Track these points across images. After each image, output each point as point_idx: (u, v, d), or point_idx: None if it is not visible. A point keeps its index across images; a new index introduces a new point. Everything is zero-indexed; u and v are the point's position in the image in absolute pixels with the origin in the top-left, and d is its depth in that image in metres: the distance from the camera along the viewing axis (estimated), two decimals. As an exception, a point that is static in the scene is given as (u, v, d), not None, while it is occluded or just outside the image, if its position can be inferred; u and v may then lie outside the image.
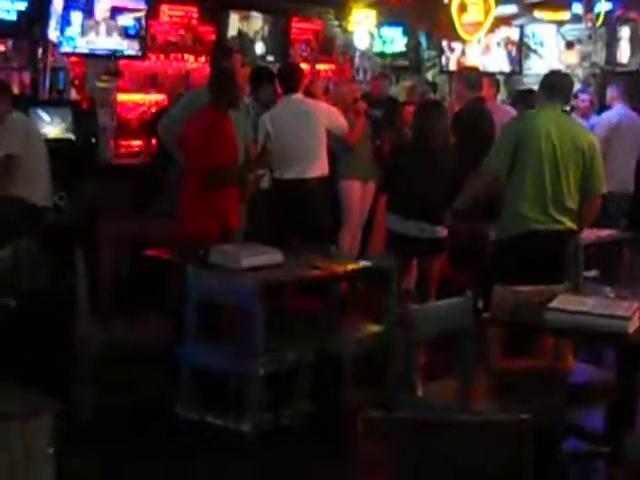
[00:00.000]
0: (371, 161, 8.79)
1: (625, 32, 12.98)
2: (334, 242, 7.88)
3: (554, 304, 4.54)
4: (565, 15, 12.84)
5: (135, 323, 6.01)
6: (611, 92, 10.58)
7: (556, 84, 6.11)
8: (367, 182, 8.66)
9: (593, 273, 7.31)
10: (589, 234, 6.88)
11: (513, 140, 5.87)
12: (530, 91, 11.73)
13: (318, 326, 5.95)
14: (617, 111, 10.09)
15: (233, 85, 6.68)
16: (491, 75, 10.87)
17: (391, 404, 4.66)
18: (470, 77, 8.60)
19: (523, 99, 9.74)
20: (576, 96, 11.50)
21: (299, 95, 7.76)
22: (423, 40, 13.79)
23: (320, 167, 7.66)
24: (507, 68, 13.94)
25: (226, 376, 5.78)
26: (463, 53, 13.32)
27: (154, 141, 10.06)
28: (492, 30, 12.22)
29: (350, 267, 6.18)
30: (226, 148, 6.46)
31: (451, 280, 7.27)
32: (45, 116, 8.61)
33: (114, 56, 10.06)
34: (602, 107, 11.39)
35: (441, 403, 4.54)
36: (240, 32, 11.63)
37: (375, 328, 6.08)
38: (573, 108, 10.41)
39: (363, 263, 6.34)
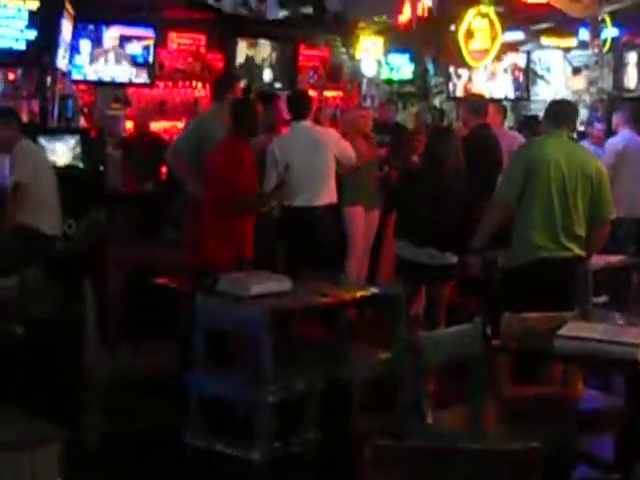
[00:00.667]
0: (376, 188, 8.77)
1: (632, 58, 12.99)
2: (341, 269, 7.88)
3: (563, 331, 4.52)
4: (572, 41, 12.88)
5: (143, 351, 6.00)
6: (617, 118, 10.59)
7: (562, 113, 6.13)
8: (372, 209, 8.64)
9: (602, 299, 7.29)
10: (598, 260, 6.87)
11: (522, 169, 5.88)
12: (536, 117, 11.78)
13: (327, 353, 5.94)
14: (623, 137, 10.10)
15: (254, 114, 6.77)
16: (498, 101, 10.88)
17: (400, 432, 4.63)
18: (475, 103, 8.63)
19: (529, 125, 9.78)
20: (590, 123, 11.53)
21: (308, 122, 7.77)
22: (430, 67, 13.84)
23: (329, 195, 7.66)
24: (514, 94, 13.97)
25: (234, 404, 5.77)
26: (470, 79, 13.36)
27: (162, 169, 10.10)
28: (499, 57, 12.24)
29: (358, 294, 6.16)
30: (246, 177, 6.52)
31: (460, 307, 7.25)
32: (53, 144, 8.64)
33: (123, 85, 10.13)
34: (609, 133, 11.40)
35: (451, 431, 4.52)
36: (248, 59, 11.69)
37: (384, 355, 6.06)
38: (585, 135, 10.45)
39: (371, 290, 6.33)
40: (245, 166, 6.54)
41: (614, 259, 7.52)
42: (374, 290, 6.32)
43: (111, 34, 10.01)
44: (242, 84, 7.83)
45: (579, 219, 5.83)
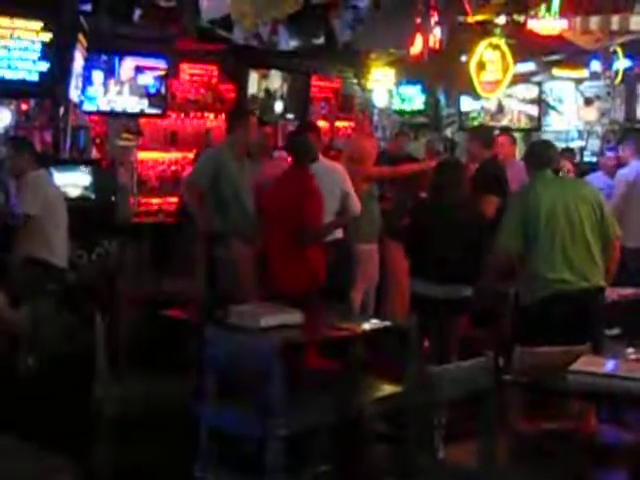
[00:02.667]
0: (379, 221, 8.68)
1: (644, 89, 13.00)
2: (346, 302, 7.85)
3: (576, 366, 4.49)
4: (584, 72, 12.88)
5: (153, 382, 5.99)
6: (626, 149, 10.57)
7: (539, 154, 6.32)
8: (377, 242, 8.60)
9: (615, 331, 7.24)
10: (610, 292, 6.83)
11: (518, 217, 6.01)
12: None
13: (338, 386, 5.90)
14: (633, 167, 10.09)
15: (310, 143, 7.11)
16: (509, 132, 10.88)
17: (411, 467, 4.60)
18: (487, 135, 8.64)
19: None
20: (602, 154, 11.52)
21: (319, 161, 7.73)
22: (442, 98, 13.86)
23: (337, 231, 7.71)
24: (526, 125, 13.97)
25: (245, 437, 5.73)
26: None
27: (173, 199, 10.14)
28: (510, 88, 12.24)
29: (370, 327, 6.13)
30: (319, 204, 6.88)
31: (472, 340, 7.22)
32: (66, 175, 8.66)
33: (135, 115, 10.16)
34: (622, 164, 11.38)
35: (462, 466, 4.48)
36: (260, 90, 11.71)
37: (395, 389, 6.02)
38: (598, 165, 10.47)
39: (383, 323, 6.30)
40: (315, 194, 6.86)
41: (626, 291, 7.48)
42: (386, 323, 6.29)
43: (127, 65, 10.06)
44: (255, 119, 7.86)
45: (593, 245, 5.89)
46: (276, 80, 11.88)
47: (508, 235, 6.01)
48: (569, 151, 11.38)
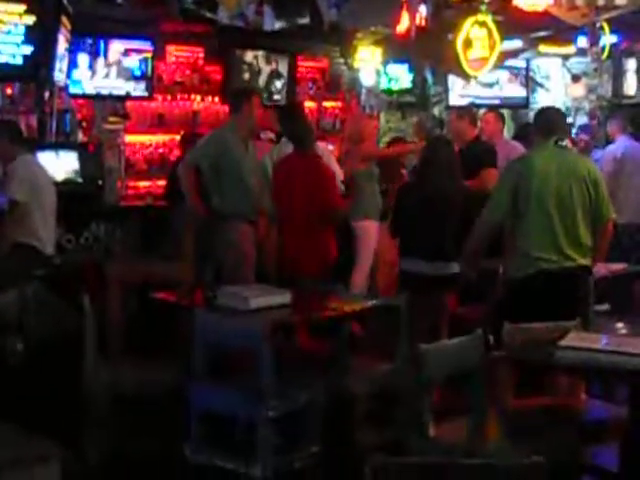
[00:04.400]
0: (380, 202, 8.69)
1: (631, 64, 12.97)
2: (345, 282, 7.85)
3: (565, 342, 4.49)
4: (570, 49, 12.85)
5: (143, 366, 5.98)
6: (612, 125, 10.59)
7: (549, 121, 6.12)
8: (379, 222, 8.60)
9: (605, 307, 7.25)
10: (600, 268, 6.83)
11: (508, 188, 5.88)
12: (530, 124, 11.72)
13: (328, 366, 5.90)
14: (621, 143, 10.09)
15: (307, 123, 7.31)
16: (496, 109, 10.86)
17: (402, 445, 4.60)
18: (474, 114, 8.67)
19: (526, 133, 9.78)
20: (576, 134, 11.52)
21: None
22: (429, 76, 13.82)
23: None
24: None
25: (235, 418, 5.73)
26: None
27: (161, 182, 10.11)
28: (497, 65, 12.20)
29: (359, 306, 6.13)
30: (335, 186, 7.03)
31: (461, 317, 7.22)
32: (52, 159, 8.62)
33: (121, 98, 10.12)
34: (609, 140, 11.38)
35: (453, 444, 4.48)
36: (246, 71, 11.67)
37: (386, 368, 6.02)
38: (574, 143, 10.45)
39: (373, 302, 6.29)
40: (328, 177, 7.01)
41: (616, 267, 7.49)
42: (375, 302, 6.28)
43: (113, 48, 10.01)
44: (259, 98, 7.81)
45: (581, 226, 5.81)
46: (262, 61, 11.85)
47: (494, 207, 5.92)
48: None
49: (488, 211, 5.93)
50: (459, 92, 13.20)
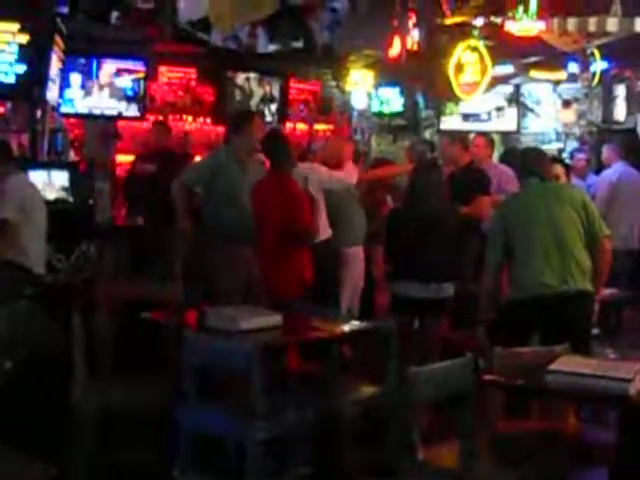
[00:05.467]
0: (363, 224, 8.69)
1: (621, 91, 13.03)
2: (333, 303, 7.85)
3: (555, 366, 4.50)
4: (561, 74, 12.91)
5: (132, 385, 5.96)
6: (607, 151, 10.65)
7: (528, 163, 6.35)
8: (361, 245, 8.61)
9: (595, 332, 7.27)
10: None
11: (500, 227, 6.14)
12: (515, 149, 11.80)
13: (318, 388, 5.89)
14: (616, 169, 10.15)
15: (289, 149, 7.15)
16: (486, 134, 10.91)
17: (391, 467, 4.59)
18: (465, 138, 8.72)
19: (514, 157, 9.84)
20: (572, 155, 11.59)
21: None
22: (420, 100, 13.87)
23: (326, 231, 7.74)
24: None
25: (225, 439, 5.71)
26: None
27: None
28: (488, 90, 12.26)
29: (350, 328, 6.13)
30: (305, 207, 6.93)
31: (452, 340, 7.23)
32: (43, 178, 8.61)
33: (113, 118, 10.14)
34: (600, 165, 11.42)
35: (442, 466, 4.48)
36: (238, 93, 11.70)
37: (375, 390, 6.02)
38: (569, 167, 10.48)
39: (363, 324, 6.29)
40: (301, 197, 6.94)
41: (606, 292, 7.51)
42: (365, 325, 6.29)
43: (106, 68, 10.02)
44: (261, 120, 7.86)
45: (577, 248, 5.92)
46: (255, 83, 11.89)
47: (493, 247, 6.15)
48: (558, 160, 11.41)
49: (489, 255, 6.10)
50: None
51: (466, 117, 13.48)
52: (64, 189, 8.79)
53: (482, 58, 10.84)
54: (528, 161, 6.33)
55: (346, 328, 6.11)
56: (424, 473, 4.37)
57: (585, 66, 11.95)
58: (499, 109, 13.69)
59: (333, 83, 13.13)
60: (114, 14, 9.45)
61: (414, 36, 10.52)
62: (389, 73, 12.61)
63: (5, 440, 4.57)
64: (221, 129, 10.66)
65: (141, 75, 10.32)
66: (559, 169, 8.92)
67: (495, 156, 10.53)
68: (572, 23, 9.75)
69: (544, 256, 5.87)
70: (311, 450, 5.60)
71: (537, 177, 6.19)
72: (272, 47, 10.48)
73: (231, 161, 7.34)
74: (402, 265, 7.03)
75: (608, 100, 13.16)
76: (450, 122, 13.43)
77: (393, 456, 5.00)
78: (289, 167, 7.06)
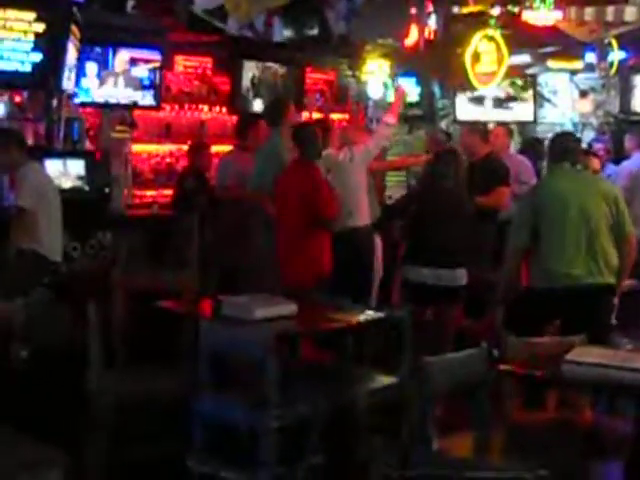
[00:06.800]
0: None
1: (638, 81, 12.97)
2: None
3: (571, 356, 4.48)
4: (578, 64, 12.85)
5: (147, 375, 5.96)
6: (629, 141, 10.61)
7: (561, 147, 6.29)
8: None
9: (612, 322, 7.24)
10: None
11: (529, 212, 6.06)
12: (537, 140, 11.75)
13: (332, 378, 5.89)
14: (636, 159, 10.11)
15: (317, 137, 7.25)
16: (505, 124, 10.87)
17: (406, 458, 4.58)
18: (484, 130, 8.71)
19: (532, 148, 9.81)
20: (590, 145, 11.53)
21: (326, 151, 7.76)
22: (436, 90, 13.83)
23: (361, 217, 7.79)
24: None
25: (239, 428, 5.71)
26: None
27: (167, 192, 10.12)
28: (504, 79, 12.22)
29: (364, 318, 6.12)
30: (331, 195, 7.02)
31: (466, 330, 7.21)
32: (59, 167, 8.63)
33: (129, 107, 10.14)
34: (617, 155, 11.37)
35: (457, 457, 4.47)
36: (254, 82, 11.68)
37: (390, 380, 6.01)
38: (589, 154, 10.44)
39: (377, 314, 6.28)
40: (325, 186, 7.04)
41: (625, 283, 7.48)
42: (379, 314, 6.27)
43: (121, 57, 10.02)
44: (294, 107, 8.05)
45: (605, 242, 5.88)
46: (271, 72, 11.87)
47: (519, 230, 6.09)
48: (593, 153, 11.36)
49: (514, 238, 6.05)
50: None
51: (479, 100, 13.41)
52: (80, 178, 8.80)
53: (499, 47, 10.79)
54: (562, 146, 6.24)
55: (360, 318, 6.10)
56: (439, 463, 4.36)
57: (602, 56, 11.89)
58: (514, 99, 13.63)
59: (349, 73, 13.10)
60: (130, 3, 9.46)
61: (431, 25, 10.49)
62: (405, 63, 12.57)
63: (21, 427, 4.57)
64: (236, 118, 10.65)
65: (157, 64, 10.31)
66: (596, 162, 8.90)
67: (512, 146, 10.51)
68: (589, 12, 9.71)
69: (575, 246, 5.83)
70: (325, 440, 5.59)
71: (569, 162, 6.13)
72: (288, 35, 10.46)
73: (283, 152, 7.53)
74: (416, 249, 7.03)
75: (625, 90, 13.11)
76: (466, 110, 13.34)
77: (407, 447, 4.99)
78: (315, 157, 7.15)
